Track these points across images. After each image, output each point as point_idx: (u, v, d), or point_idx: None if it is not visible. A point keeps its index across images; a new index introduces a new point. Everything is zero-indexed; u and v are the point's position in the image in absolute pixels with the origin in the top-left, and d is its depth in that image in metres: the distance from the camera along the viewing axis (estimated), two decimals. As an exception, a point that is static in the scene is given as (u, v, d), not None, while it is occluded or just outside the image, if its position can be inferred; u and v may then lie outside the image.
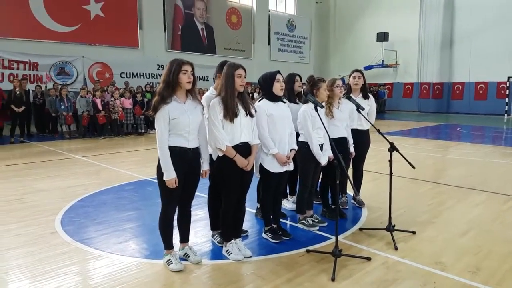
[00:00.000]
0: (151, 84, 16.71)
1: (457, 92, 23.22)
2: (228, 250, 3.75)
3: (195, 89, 3.45)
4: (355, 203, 5.39)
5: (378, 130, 4.28)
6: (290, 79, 4.74)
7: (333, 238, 3.68)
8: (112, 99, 13.26)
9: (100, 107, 12.88)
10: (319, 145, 4.31)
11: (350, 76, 5.21)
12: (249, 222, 4.69)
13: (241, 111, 3.56)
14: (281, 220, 4.50)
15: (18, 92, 11.92)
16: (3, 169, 7.93)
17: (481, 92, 22.20)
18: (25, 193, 6.11)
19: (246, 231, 4.35)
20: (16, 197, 5.86)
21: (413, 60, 24.28)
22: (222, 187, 3.72)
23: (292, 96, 4.74)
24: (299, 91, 4.87)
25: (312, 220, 4.56)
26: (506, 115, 19.46)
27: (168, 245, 3.58)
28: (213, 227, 4.19)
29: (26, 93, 12.56)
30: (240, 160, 3.55)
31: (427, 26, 23.28)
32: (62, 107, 12.93)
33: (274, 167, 3.94)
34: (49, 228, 4.55)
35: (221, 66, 3.90)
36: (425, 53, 23.62)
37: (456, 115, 22.33)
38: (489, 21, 20.92)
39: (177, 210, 3.59)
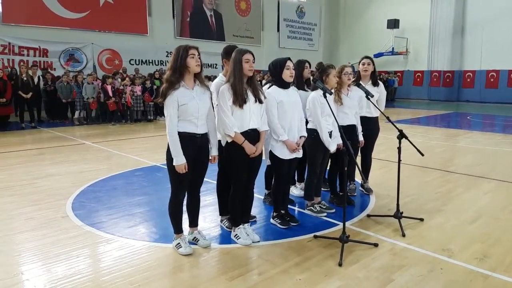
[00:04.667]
0: (160, 71, 16.74)
1: (468, 80, 22.91)
2: (236, 234, 3.80)
3: (202, 75, 3.46)
4: (363, 190, 5.40)
5: (388, 118, 4.26)
6: (299, 66, 4.73)
7: (341, 224, 3.70)
8: (122, 86, 13.31)
9: (110, 94, 12.94)
10: (328, 132, 4.31)
11: (359, 62, 5.18)
12: (257, 208, 4.72)
13: (251, 97, 3.57)
14: (289, 206, 4.53)
15: (25, 79, 11.99)
16: (15, 154, 8.04)
17: (492, 80, 21.89)
18: (36, 177, 6.20)
19: (255, 217, 4.39)
20: (28, 182, 5.96)
21: (423, 47, 23.93)
22: (230, 172, 3.75)
23: (301, 83, 4.73)
24: (308, 78, 4.86)
25: (320, 206, 4.59)
26: (517, 103, 19.25)
27: (178, 229, 3.63)
28: (221, 212, 4.23)
29: (33, 79, 12.58)
30: (248, 147, 3.57)
31: (439, 13, 22.88)
32: (81, 92, 13.06)
33: (284, 154, 3.95)
34: (60, 212, 4.63)
35: (226, 52, 3.92)
36: (436, 40, 23.26)
37: (467, 104, 22.08)
38: (501, 9, 20.51)
39: (186, 195, 3.63)
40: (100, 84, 13.20)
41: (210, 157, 3.59)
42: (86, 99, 12.97)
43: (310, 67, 4.90)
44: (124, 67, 16.30)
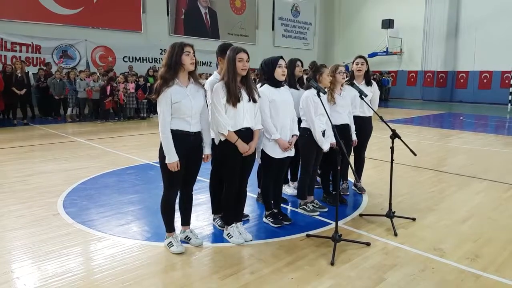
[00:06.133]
0: (154, 68, 16.65)
1: (461, 80, 23.03)
2: (229, 233, 3.78)
3: (196, 72, 3.45)
4: (355, 189, 5.41)
5: (381, 117, 4.27)
6: (291, 64, 4.72)
7: (333, 223, 3.70)
8: (115, 84, 13.24)
9: (108, 92, 12.87)
10: (322, 131, 4.31)
11: (353, 62, 5.18)
12: (250, 207, 4.71)
13: (244, 96, 3.56)
14: (282, 205, 4.52)
15: (19, 75, 11.89)
16: (6, 151, 7.97)
17: (485, 81, 22.02)
18: (27, 175, 6.15)
19: (247, 215, 4.37)
20: (19, 179, 5.90)
21: (418, 48, 24.03)
22: (224, 171, 3.74)
23: (293, 81, 4.72)
24: (300, 76, 4.85)
25: (312, 205, 4.58)
26: (509, 104, 19.35)
27: (170, 228, 3.61)
28: (214, 211, 4.21)
29: (26, 75, 12.49)
30: (241, 145, 3.56)
31: (433, 13, 22.98)
32: (74, 89, 13.01)
33: (276, 153, 3.94)
34: (51, 210, 4.59)
35: (221, 50, 3.90)
36: (430, 41, 23.37)
37: (460, 104, 22.20)
38: (495, 10, 20.62)
39: (179, 193, 3.61)
40: (91, 80, 13.10)
41: (203, 156, 3.57)
42: (83, 90, 12.88)
43: (302, 66, 4.89)
44: (110, 67, 16.16)
